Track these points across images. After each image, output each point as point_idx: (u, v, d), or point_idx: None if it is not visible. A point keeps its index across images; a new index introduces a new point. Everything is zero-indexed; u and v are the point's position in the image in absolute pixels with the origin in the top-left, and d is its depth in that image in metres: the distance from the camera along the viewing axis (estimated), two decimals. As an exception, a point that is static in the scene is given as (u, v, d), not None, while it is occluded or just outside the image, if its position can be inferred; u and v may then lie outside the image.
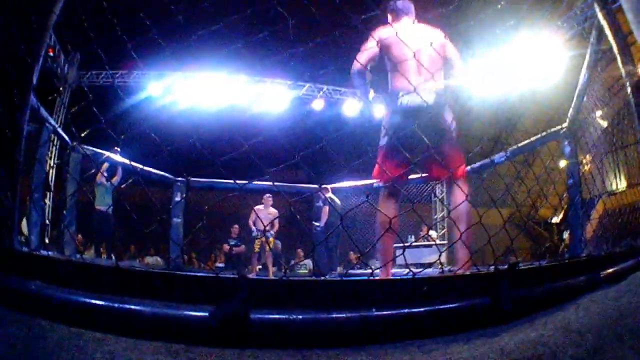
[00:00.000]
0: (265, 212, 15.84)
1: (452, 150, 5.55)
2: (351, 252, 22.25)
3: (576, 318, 2.56)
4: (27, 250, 2.42)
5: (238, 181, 13.45)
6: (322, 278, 13.47)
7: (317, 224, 16.11)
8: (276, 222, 16.04)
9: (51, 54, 17.85)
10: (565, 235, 19.51)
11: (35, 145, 11.20)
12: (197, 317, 2.18)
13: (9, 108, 2.91)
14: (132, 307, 2.22)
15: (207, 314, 2.16)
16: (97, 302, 2.25)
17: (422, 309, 2.53)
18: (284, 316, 2.25)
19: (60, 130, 12.99)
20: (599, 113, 10.12)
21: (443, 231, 20.92)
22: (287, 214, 20.61)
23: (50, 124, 11.66)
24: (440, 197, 21.25)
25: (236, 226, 19.53)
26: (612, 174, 11.97)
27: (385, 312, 2.43)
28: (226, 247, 19.75)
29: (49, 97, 15.72)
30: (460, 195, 5.30)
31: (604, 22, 6.50)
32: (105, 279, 2.42)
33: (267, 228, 15.79)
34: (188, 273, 2.51)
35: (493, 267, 2.96)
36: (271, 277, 14.86)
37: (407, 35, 5.25)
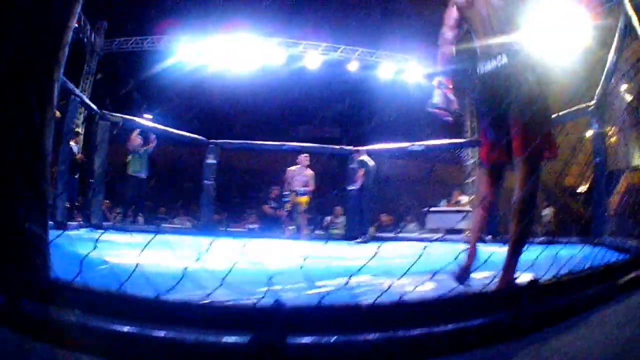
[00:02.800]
0: (301, 173, 15.73)
1: (523, 121, 4.32)
2: (383, 214, 22.31)
3: (582, 348, 2.60)
4: (64, 280, 2.36)
5: (270, 142, 13.40)
6: (356, 240, 14.12)
7: (351, 187, 15.97)
8: (312, 182, 15.88)
9: (76, 25, 17.85)
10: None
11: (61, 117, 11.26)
12: (237, 344, 2.22)
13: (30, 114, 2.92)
14: (173, 335, 2.26)
15: (246, 340, 2.21)
16: (138, 331, 2.28)
17: (445, 328, 2.57)
18: (319, 340, 2.30)
19: (87, 100, 13.03)
20: (624, 87, 10.05)
21: (473, 196, 20.81)
22: (320, 175, 20.59)
23: (77, 95, 11.70)
24: (472, 160, 21.20)
25: (276, 188, 19.19)
26: (637, 149, 11.86)
27: (411, 332, 2.49)
28: (267, 208, 19.73)
29: (75, 66, 15.71)
30: (519, 177, 4.34)
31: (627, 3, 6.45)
32: (145, 309, 2.45)
33: (302, 187, 15.71)
34: (227, 302, 2.54)
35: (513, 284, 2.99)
36: (304, 239, 15.02)
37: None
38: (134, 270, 2.73)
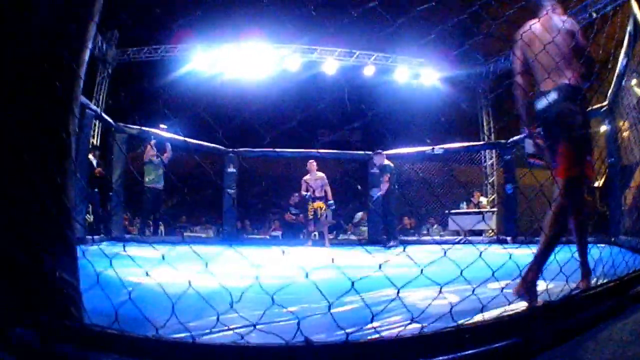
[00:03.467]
0: (313, 179, 15.68)
1: (562, 147, 4.97)
2: (405, 217, 22.31)
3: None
4: (99, 326, 2.39)
5: (289, 150, 13.39)
6: (388, 245, 14.05)
7: (376, 194, 15.63)
8: (327, 186, 15.78)
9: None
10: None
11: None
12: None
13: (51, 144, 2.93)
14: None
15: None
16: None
17: (464, 354, 2.58)
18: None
19: (102, 114, 13.08)
20: (634, 81, 10.03)
21: (493, 196, 20.76)
22: (340, 180, 20.55)
23: (91, 109, 11.73)
24: (490, 162, 21.17)
25: (296, 194, 19.08)
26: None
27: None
28: (289, 215, 19.74)
29: (88, 76, 15.84)
30: (559, 192, 4.88)
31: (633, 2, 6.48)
32: (182, 353, 2.45)
33: (319, 194, 15.65)
34: (260, 344, 2.55)
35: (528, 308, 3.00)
36: (327, 245, 15.15)
37: (539, 30, 5.29)
38: (174, 306, 2.73)
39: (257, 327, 2.82)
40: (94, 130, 16.90)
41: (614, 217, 10.76)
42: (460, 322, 2.83)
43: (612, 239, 9.95)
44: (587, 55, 5.36)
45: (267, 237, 21.24)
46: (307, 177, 15.81)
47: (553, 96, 5.04)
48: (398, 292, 3.09)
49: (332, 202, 15.76)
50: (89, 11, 3.19)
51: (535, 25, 5.34)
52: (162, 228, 17.32)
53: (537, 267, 4.47)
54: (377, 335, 2.63)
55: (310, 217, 15.76)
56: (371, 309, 3.04)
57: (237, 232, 18.33)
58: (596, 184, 26.54)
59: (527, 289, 4.30)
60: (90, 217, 14.00)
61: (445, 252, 3.14)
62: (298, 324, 2.73)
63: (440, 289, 3.09)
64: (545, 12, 5.50)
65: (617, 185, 10.26)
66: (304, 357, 2.29)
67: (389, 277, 2.98)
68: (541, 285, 3.71)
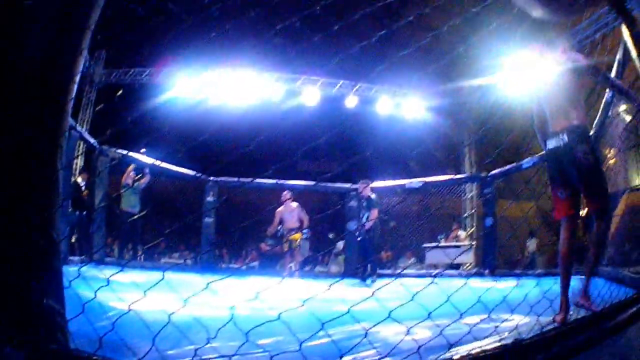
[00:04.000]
0: (288, 210, 15.64)
1: (590, 184, 5.73)
2: (382, 251, 22.32)
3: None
4: (85, 352, 2.45)
5: (268, 180, 13.36)
6: (370, 279, 13.62)
7: (353, 227, 15.76)
8: (304, 217, 15.70)
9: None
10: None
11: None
12: None
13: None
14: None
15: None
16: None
17: None
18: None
19: (86, 135, 13.13)
20: (622, 107, 10.12)
21: (472, 230, 20.78)
22: (319, 211, 20.53)
23: (76, 130, 11.76)
24: (470, 195, 21.23)
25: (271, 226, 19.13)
26: (636, 169, 11.91)
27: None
28: (264, 246, 19.69)
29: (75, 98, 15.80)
30: (597, 226, 5.73)
31: (624, 29, 6.58)
32: None
33: (293, 225, 15.60)
34: None
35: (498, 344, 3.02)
36: (297, 276, 15.03)
37: (547, 72, 6.03)
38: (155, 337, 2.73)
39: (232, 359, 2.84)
40: (78, 151, 16.89)
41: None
42: (429, 359, 2.83)
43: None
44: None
45: (244, 267, 21.30)
46: (281, 208, 15.78)
47: (564, 138, 5.69)
48: (366, 334, 3.11)
49: (306, 230, 15.80)
50: (79, 42, 3.22)
51: (543, 68, 6.12)
52: (141, 253, 17.30)
53: (589, 285, 5.43)
54: None
55: (286, 249, 15.73)
56: (340, 344, 3.05)
57: (215, 261, 18.33)
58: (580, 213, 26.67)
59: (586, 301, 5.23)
60: (73, 239, 14.00)
61: (413, 296, 3.18)
62: (270, 358, 2.73)
63: (408, 330, 3.11)
64: (554, 52, 6.17)
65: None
66: None
67: (359, 312, 3.00)
68: (513, 321, 3.72)
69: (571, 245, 5.79)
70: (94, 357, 2.61)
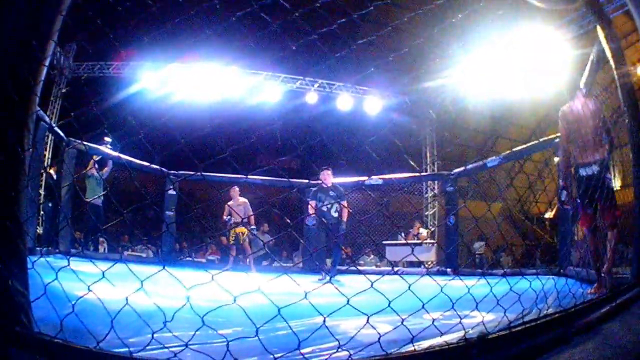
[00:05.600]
0: (235, 204, 15.78)
1: (610, 203, 7.38)
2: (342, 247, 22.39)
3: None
4: (46, 335, 2.44)
5: (228, 175, 13.32)
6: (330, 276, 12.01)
7: (312, 222, 13.86)
8: (250, 211, 15.86)
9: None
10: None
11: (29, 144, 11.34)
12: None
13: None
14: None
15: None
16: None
17: None
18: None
19: (55, 127, 13.12)
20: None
21: (433, 228, 20.85)
22: (279, 207, 20.54)
23: (45, 122, 11.73)
24: (431, 193, 21.28)
25: (226, 218, 19.11)
26: (610, 172, 12.11)
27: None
28: (224, 239, 19.64)
29: (43, 88, 15.67)
30: (610, 232, 7.28)
31: (599, 28, 6.68)
32: None
33: (243, 220, 15.91)
34: None
35: (462, 339, 3.01)
36: (253, 271, 15.28)
37: (577, 112, 7.71)
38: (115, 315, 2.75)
39: (190, 347, 2.85)
40: (47, 143, 16.82)
41: (563, 249, 11.01)
42: (390, 351, 2.85)
43: (560, 270, 10.43)
44: (609, 133, 7.57)
45: (204, 260, 21.28)
46: (230, 202, 15.94)
47: (595, 168, 7.40)
48: (324, 321, 3.13)
49: (254, 227, 16.27)
50: (49, 30, 3.23)
51: (573, 108, 7.80)
52: (104, 245, 17.24)
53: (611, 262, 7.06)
54: None
55: (232, 242, 15.91)
56: (300, 335, 3.06)
57: (175, 254, 18.30)
58: (547, 215, 26.88)
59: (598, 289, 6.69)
60: (39, 229, 13.94)
61: (372, 284, 3.17)
62: (227, 345, 2.76)
63: (368, 318, 3.12)
64: (578, 97, 7.89)
65: (568, 217, 10.51)
66: None
67: (319, 304, 3.03)
68: (477, 317, 3.75)
69: (596, 245, 7.48)
70: (55, 340, 2.63)
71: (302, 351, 3.20)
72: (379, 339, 3.00)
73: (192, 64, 19.63)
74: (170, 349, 2.86)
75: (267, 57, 18.81)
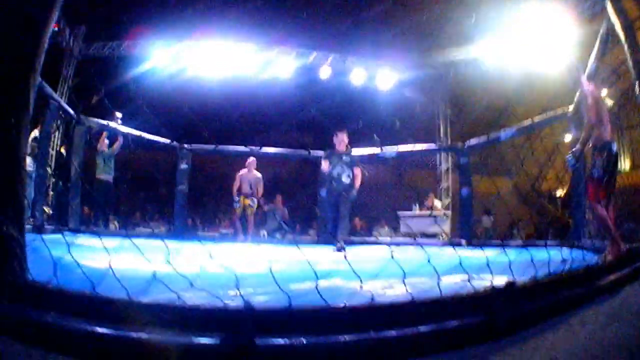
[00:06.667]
0: (249, 176, 15.92)
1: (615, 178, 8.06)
2: (357, 219, 22.39)
3: (563, 350, 2.59)
4: (40, 282, 2.39)
5: (243, 147, 13.25)
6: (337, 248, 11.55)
7: (324, 193, 13.27)
8: (260, 186, 16.07)
9: (56, 28, 17.45)
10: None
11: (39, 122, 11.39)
12: (207, 346, 2.21)
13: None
14: (144, 336, 2.25)
15: (215, 341, 2.20)
16: (108, 332, 2.27)
17: (419, 329, 2.54)
18: (288, 342, 2.28)
19: (65, 105, 13.11)
20: (605, 91, 10.24)
21: (448, 201, 20.78)
22: (292, 180, 20.59)
23: (54, 100, 11.73)
24: (445, 165, 21.19)
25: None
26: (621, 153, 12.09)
27: (384, 334, 2.45)
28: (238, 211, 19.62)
29: (53, 70, 15.62)
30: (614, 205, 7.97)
31: (610, 9, 6.66)
32: (117, 310, 2.45)
33: (251, 192, 15.94)
34: (197, 304, 2.53)
35: (490, 287, 2.99)
36: (249, 240, 15.37)
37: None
38: (111, 271, 2.75)
39: (200, 294, 2.82)
40: (57, 122, 16.85)
41: (577, 223, 11.04)
42: (415, 296, 2.83)
43: (575, 243, 10.24)
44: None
45: (217, 234, 21.27)
46: (243, 171, 15.99)
47: (616, 145, 8.00)
48: (361, 283, 3.11)
49: (255, 199, 16.10)
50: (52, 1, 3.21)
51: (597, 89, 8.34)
52: (115, 222, 17.27)
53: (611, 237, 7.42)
54: (323, 304, 2.63)
55: (239, 213, 16.06)
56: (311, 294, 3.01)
57: (188, 229, 18.33)
58: (558, 194, 26.88)
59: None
60: (48, 209, 13.97)
61: (392, 253, 3.15)
62: (237, 285, 2.74)
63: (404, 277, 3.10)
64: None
65: (581, 192, 10.49)
66: (242, 319, 2.26)
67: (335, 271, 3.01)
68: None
69: (604, 213, 7.65)
70: (48, 286, 2.62)
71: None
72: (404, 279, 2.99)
73: (204, 41, 19.55)
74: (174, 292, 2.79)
75: (280, 31, 18.74)
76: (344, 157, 12.54)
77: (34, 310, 2.48)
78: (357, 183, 12.55)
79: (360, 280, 3.23)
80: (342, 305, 2.61)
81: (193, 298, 2.66)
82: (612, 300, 3.43)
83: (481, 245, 12.51)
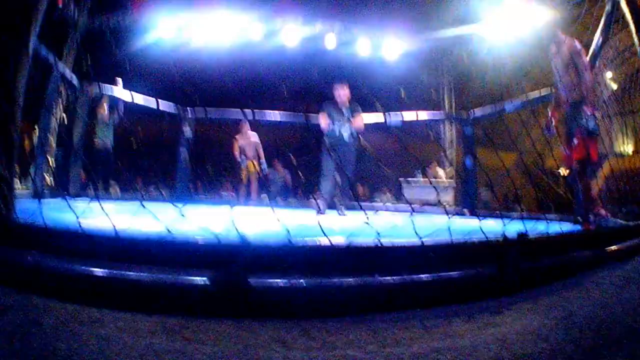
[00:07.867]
0: (245, 140, 16.22)
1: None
2: (359, 185, 22.47)
3: (579, 307, 2.52)
4: (24, 220, 2.38)
5: (245, 109, 13.10)
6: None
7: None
8: (260, 149, 16.44)
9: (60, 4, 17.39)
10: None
11: (42, 90, 11.41)
12: (196, 283, 2.14)
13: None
14: (130, 274, 2.19)
15: (205, 279, 2.13)
16: (95, 271, 2.21)
17: (426, 277, 2.47)
18: (283, 282, 2.20)
19: (67, 74, 13.17)
20: (609, 74, 10.16)
21: (450, 170, 20.76)
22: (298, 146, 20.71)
23: (57, 68, 11.78)
24: (449, 134, 21.17)
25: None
26: (621, 136, 12.05)
27: (388, 279, 2.38)
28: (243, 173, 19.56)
29: (58, 42, 15.64)
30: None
31: None
32: (103, 248, 2.39)
33: (251, 156, 16.35)
34: (188, 239, 2.47)
35: (502, 236, 2.93)
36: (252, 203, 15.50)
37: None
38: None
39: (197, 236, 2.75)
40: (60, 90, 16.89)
41: (579, 201, 11.07)
42: (425, 240, 2.77)
43: (577, 218, 10.18)
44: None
45: (219, 197, 21.64)
46: (238, 136, 16.45)
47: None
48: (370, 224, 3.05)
49: (263, 160, 16.63)
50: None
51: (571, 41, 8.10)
52: (116, 188, 17.31)
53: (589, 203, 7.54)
54: (323, 243, 2.57)
55: (244, 179, 16.52)
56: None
57: (189, 193, 18.38)
58: (561, 172, 26.91)
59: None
60: (48, 176, 14.01)
61: (412, 212, 3.12)
62: (234, 224, 2.67)
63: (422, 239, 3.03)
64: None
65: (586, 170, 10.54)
66: (236, 255, 2.20)
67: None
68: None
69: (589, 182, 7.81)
70: (35, 225, 2.57)
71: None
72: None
73: (208, 11, 19.47)
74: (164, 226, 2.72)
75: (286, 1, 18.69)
76: (344, 111, 11.65)
77: (16, 250, 2.44)
78: (359, 124, 11.69)
79: (378, 234, 3.16)
80: (346, 244, 2.55)
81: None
82: (625, 265, 3.42)
83: (485, 216, 12.44)
